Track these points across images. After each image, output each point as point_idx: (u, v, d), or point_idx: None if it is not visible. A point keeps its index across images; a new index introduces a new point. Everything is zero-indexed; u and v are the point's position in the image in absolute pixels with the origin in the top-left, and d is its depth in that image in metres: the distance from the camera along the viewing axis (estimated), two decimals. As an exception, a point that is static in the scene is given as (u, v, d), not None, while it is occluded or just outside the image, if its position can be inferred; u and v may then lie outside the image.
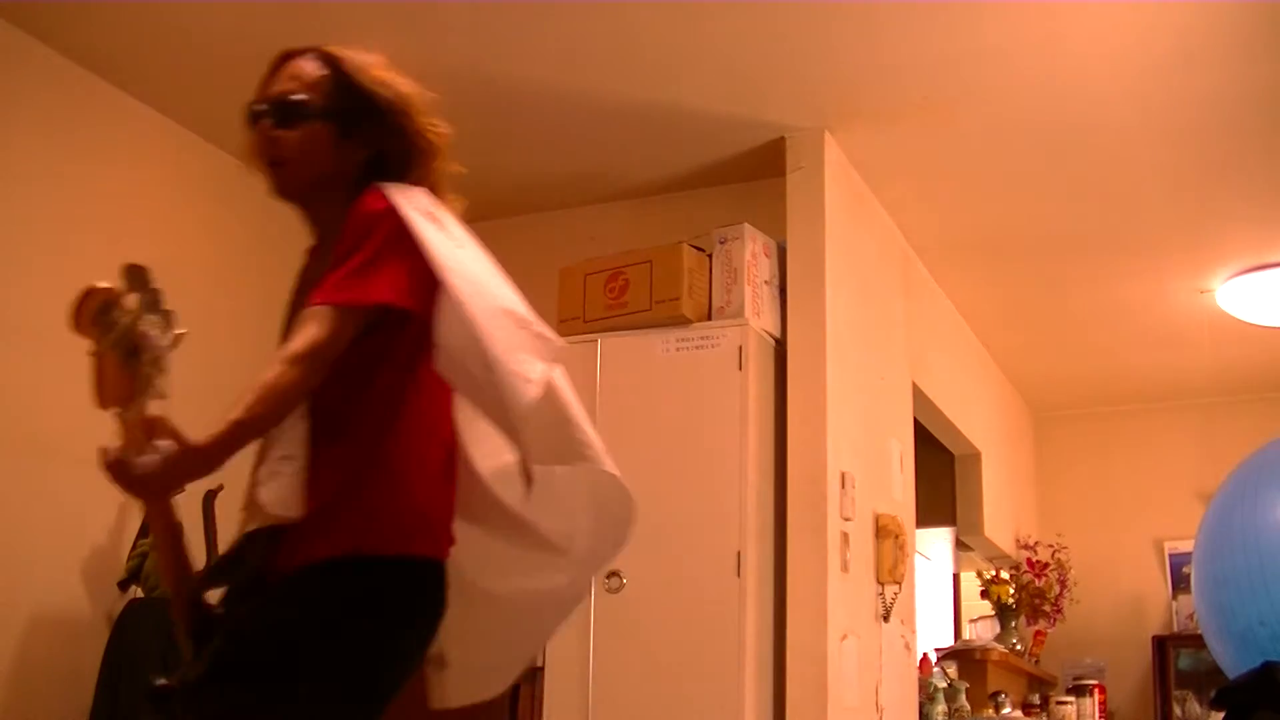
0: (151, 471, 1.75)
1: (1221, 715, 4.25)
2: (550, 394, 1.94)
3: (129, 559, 3.69)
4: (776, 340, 4.01)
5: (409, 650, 1.98)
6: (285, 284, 4.65)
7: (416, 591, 1.94)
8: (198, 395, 4.45)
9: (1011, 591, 6.09)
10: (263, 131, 2.01)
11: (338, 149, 2.02)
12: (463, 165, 4.78)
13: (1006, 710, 5.22)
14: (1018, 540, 6.43)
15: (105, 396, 1.82)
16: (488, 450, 2.04)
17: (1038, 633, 6.32)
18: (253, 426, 1.81)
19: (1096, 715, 5.97)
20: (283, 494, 1.89)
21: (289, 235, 5.17)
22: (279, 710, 1.82)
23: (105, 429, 3.65)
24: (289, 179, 2.04)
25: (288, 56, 2.08)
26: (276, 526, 1.88)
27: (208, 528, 3.84)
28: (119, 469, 1.74)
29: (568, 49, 3.72)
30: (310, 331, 1.86)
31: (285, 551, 1.87)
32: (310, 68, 2.04)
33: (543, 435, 1.94)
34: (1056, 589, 6.17)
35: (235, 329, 4.32)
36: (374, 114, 2.02)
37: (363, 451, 1.92)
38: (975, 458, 5.95)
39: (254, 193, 5.06)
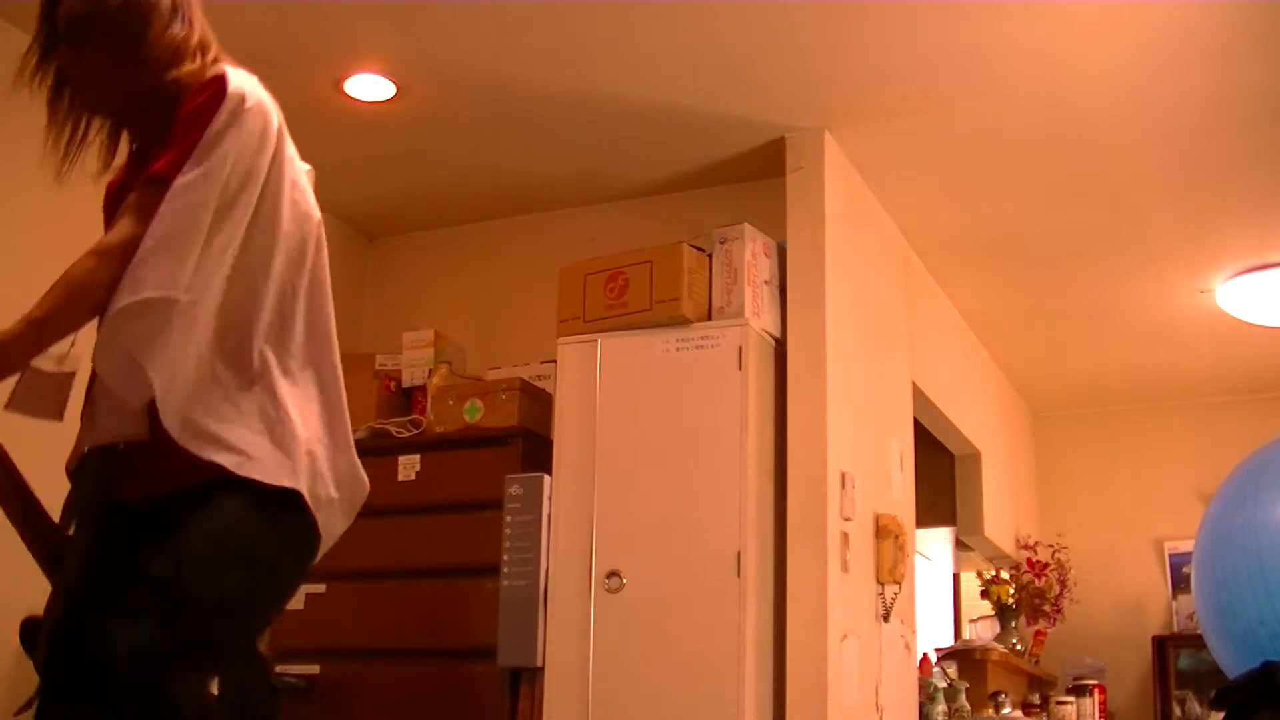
0: None
1: (1221, 715, 4.25)
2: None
3: (129, 559, 3.69)
4: (776, 340, 4.01)
5: (294, 575, 1.94)
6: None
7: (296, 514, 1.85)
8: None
9: (1011, 591, 6.09)
10: (60, 55, 1.97)
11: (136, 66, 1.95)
12: (464, 165, 4.80)
13: (1006, 710, 5.22)
14: (1018, 540, 6.44)
15: None
16: None
17: (1038, 633, 6.32)
18: (51, 324, 1.73)
19: (1096, 715, 5.97)
20: (120, 413, 1.80)
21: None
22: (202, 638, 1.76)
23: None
24: (86, 96, 1.99)
25: None
26: (116, 446, 1.82)
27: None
28: None
29: (568, 49, 3.72)
30: (127, 223, 1.77)
31: (150, 475, 1.80)
32: None
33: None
34: (1056, 589, 6.17)
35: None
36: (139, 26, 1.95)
37: None
38: (975, 458, 5.95)
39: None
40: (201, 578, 1.74)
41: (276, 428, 1.83)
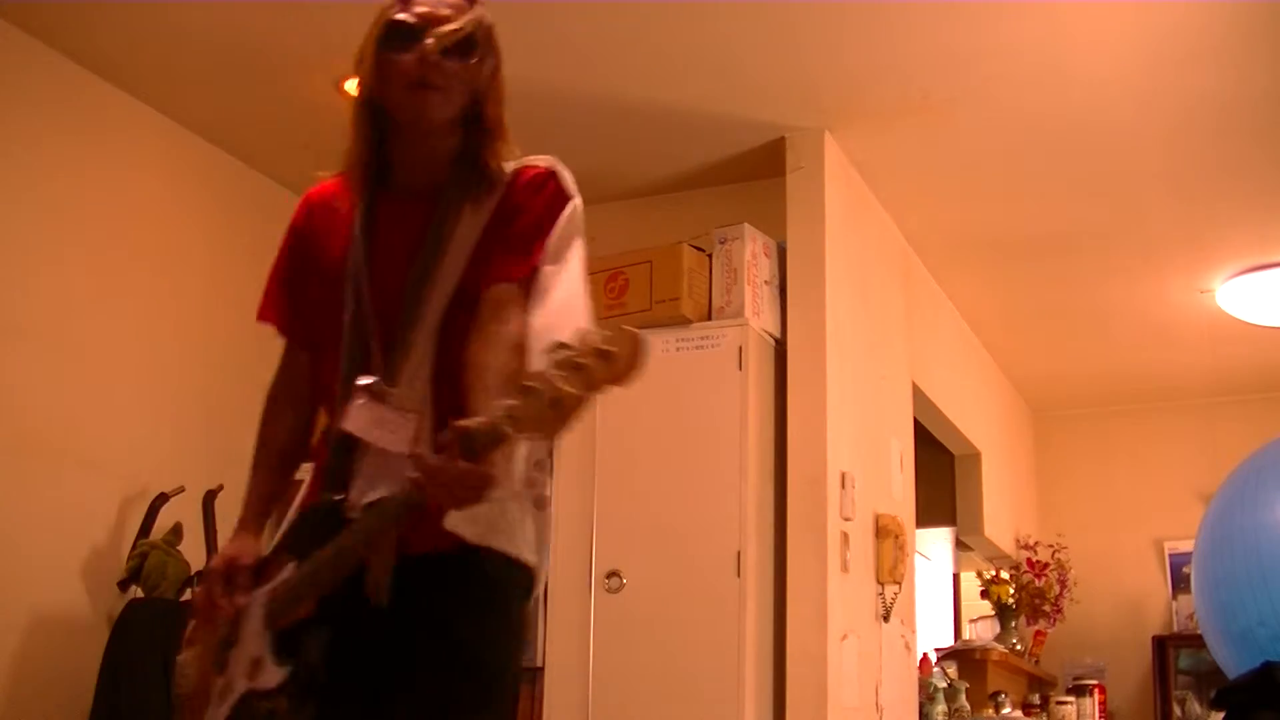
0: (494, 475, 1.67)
1: (1221, 715, 4.25)
2: None
3: (129, 559, 3.69)
4: (776, 340, 4.01)
5: None
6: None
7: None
8: (199, 389, 4.44)
9: (1011, 591, 6.08)
10: (424, 55, 1.92)
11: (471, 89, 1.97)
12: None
13: (1006, 710, 5.22)
14: (1018, 540, 6.43)
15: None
16: None
17: (1038, 633, 6.32)
18: None
19: (1096, 715, 5.97)
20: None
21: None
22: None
23: (103, 429, 3.69)
24: (441, 106, 1.93)
25: None
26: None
27: (208, 526, 3.84)
28: (488, 479, 1.66)
29: (568, 49, 3.72)
30: (520, 316, 1.83)
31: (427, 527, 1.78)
32: (461, 5, 1.97)
33: None
34: (1056, 589, 6.17)
35: (234, 326, 4.31)
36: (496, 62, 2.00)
37: None
38: (975, 458, 5.95)
39: (254, 192, 5.06)
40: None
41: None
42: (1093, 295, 5.53)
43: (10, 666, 3.45)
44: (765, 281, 4.00)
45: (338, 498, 1.86)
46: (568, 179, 2.00)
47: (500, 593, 1.91)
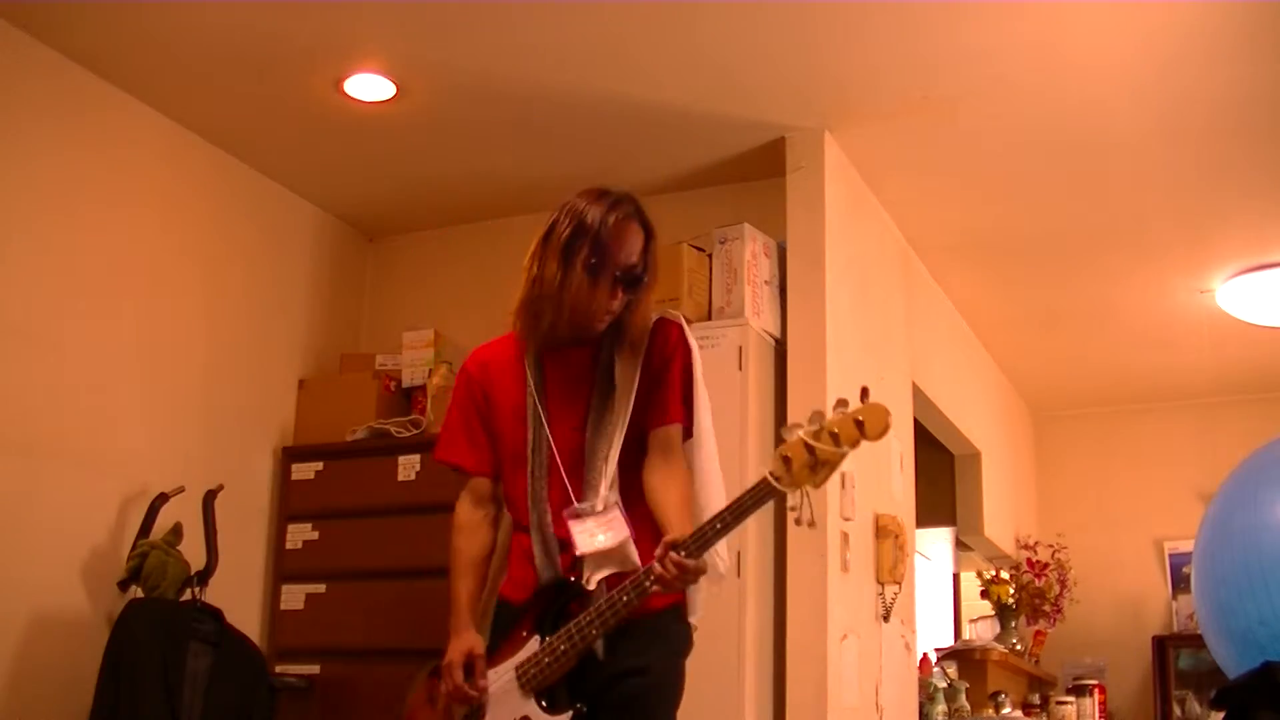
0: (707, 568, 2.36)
1: (1221, 715, 4.25)
2: None
3: (129, 559, 3.69)
4: (776, 340, 4.01)
5: None
6: (285, 281, 4.70)
7: None
8: (199, 389, 4.42)
9: (1011, 591, 6.09)
10: (613, 304, 2.50)
11: None
12: (464, 165, 4.79)
13: (1006, 710, 5.22)
14: (1018, 540, 6.44)
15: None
16: None
17: (1038, 633, 6.32)
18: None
19: (1096, 715, 5.98)
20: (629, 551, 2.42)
21: (289, 234, 5.15)
22: None
23: (103, 429, 3.70)
24: (608, 323, 2.53)
25: (635, 216, 2.54)
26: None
27: (208, 526, 3.84)
28: (703, 570, 2.33)
29: (568, 49, 3.72)
30: (683, 466, 2.52)
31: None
32: (643, 245, 2.53)
33: None
34: (1056, 589, 6.17)
35: (236, 327, 4.31)
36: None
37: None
38: (975, 458, 5.95)
39: (254, 192, 5.04)
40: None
41: None
42: (1093, 295, 5.53)
43: (10, 666, 3.45)
44: (765, 281, 4.00)
45: (572, 578, 2.41)
46: (689, 331, 2.61)
47: (681, 644, 2.52)
